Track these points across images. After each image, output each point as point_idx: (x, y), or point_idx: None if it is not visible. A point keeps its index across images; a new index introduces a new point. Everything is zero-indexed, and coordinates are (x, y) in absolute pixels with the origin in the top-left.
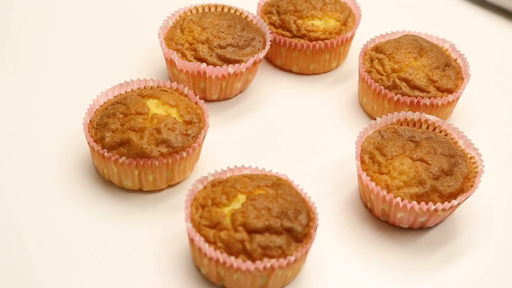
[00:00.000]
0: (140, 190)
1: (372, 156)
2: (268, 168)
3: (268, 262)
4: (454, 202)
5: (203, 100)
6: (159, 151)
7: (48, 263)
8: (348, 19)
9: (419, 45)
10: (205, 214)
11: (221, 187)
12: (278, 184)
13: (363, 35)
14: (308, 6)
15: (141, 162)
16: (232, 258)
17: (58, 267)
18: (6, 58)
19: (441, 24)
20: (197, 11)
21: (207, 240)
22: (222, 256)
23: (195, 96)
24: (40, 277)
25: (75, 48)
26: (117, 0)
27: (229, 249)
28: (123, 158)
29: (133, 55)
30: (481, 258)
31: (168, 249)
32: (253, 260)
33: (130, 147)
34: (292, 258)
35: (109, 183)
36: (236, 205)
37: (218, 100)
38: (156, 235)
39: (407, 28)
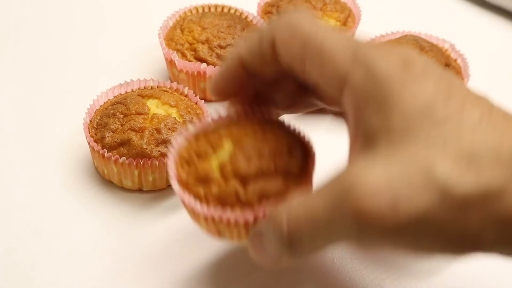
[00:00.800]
0: (140, 190)
1: None
2: None
3: (266, 206)
4: None
5: (203, 100)
6: (159, 151)
7: (47, 263)
8: (348, 19)
9: (419, 45)
10: (192, 171)
11: (205, 138)
12: (266, 122)
13: (363, 35)
14: (308, 6)
15: (141, 162)
16: (228, 212)
17: (57, 267)
18: (6, 58)
19: (441, 24)
20: (197, 11)
21: (199, 198)
22: (217, 213)
23: (195, 96)
24: (39, 277)
25: (75, 48)
26: (117, 0)
27: (223, 203)
28: (123, 158)
29: (133, 55)
30: (480, 257)
31: (168, 249)
32: (252, 207)
33: (130, 147)
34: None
35: (109, 183)
36: (223, 153)
37: (218, 100)
38: (156, 235)
39: (407, 28)
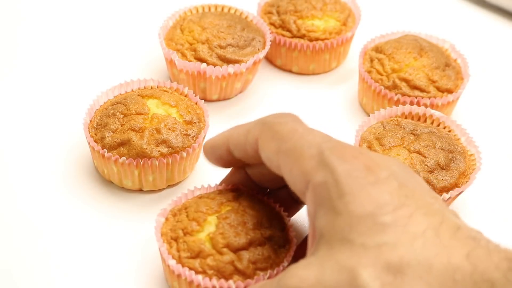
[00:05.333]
0: (140, 190)
1: (370, 146)
2: None
3: (265, 275)
4: (446, 195)
5: (203, 100)
6: (159, 151)
7: (47, 263)
8: (348, 19)
9: (419, 45)
10: (182, 246)
11: (185, 215)
12: (238, 196)
13: (363, 35)
14: (308, 6)
15: (141, 162)
16: (231, 282)
17: (57, 267)
18: (6, 58)
19: (441, 24)
20: (197, 11)
21: (196, 271)
22: (219, 283)
23: (195, 96)
24: (38, 276)
25: (75, 48)
26: (117, 0)
27: (221, 274)
28: (123, 158)
29: (133, 55)
30: None
31: None
32: (248, 277)
33: (130, 147)
34: (286, 264)
35: (109, 183)
36: (210, 227)
37: (218, 100)
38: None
39: (407, 28)
